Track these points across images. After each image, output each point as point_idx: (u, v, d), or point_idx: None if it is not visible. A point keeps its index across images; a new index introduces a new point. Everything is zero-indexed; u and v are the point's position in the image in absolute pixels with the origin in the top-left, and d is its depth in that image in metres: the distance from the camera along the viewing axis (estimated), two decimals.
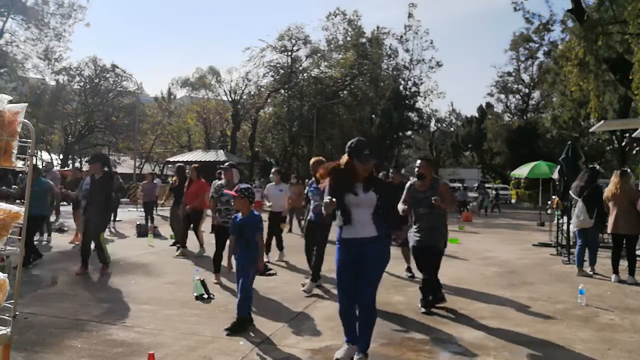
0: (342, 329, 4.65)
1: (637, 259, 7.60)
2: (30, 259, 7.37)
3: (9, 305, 2.71)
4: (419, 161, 5.53)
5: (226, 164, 7.28)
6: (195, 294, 5.71)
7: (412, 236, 5.51)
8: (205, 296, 5.69)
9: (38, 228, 8.25)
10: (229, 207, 6.58)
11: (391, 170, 8.21)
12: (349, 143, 3.87)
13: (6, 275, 2.68)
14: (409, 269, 7.41)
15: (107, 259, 7.20)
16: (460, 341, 4.39)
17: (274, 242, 8.83)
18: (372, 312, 3.79)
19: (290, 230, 13.26)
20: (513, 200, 38.65)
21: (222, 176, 7.09)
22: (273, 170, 9.71)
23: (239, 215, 4.79)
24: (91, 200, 7.15)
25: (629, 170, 8.22)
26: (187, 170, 10.07)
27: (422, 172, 5.42)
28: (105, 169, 7.30)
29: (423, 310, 5.30)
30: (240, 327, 4.51)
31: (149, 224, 12.69)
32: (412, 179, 5.69)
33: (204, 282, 5.83)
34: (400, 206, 5.33)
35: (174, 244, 9.72)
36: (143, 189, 13.63)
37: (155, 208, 13.91)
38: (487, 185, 35.54)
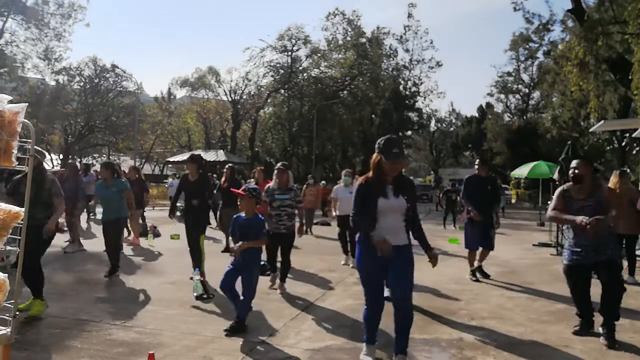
0: (342, 330, 4.66)
1: (637, 259, 7.60)
2: (116, 268, 6.97)
3: (9, 305, 2.71)
4: (575, 161, 4.50)
5: (279, 164, 6.70)
6: (195, 294, 5.70)
7: (568, 253, 4.54)
8: (205, 296, 5.68)
9: (122, 232, 7.65)
10: (280, 213, 6.21)
11: None
12: (379, 140, 3.66)
13: (6, 275, 2.68)
14: (473, 273, 7.30)
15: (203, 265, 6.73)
16: (460, 341, 4.39)
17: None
18: (411, 314, 3.68)
19: (306, 232, 13.17)
20: (513, 200, 38.65)
21: (275, 178, 6.44)
22: (345, 171, 9.03)
23: (242, 215, 4.76)
24: (190, 203, 6.82)
25: (628, 170, 8.22)
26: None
27: (581, 174, 4.37)
28: (201, 170, 6.97)
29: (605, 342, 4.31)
30: (240, 328, 4.47)
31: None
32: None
33: (204, 282, 5.83)
34: (568, 216, 4.31)
35: (225, 250, 9.25)
36: None
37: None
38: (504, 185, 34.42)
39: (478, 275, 7.30)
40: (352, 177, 8.81)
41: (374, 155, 3.64)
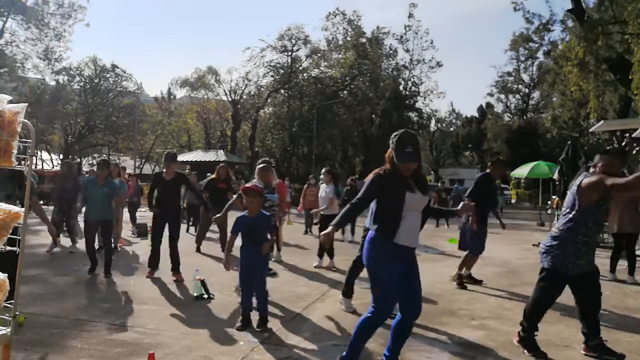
0: (342, 330, 4.66)
1: (637, 258, 7.61)
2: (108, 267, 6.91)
3: (9, 305, 2.71)
4: (601, 158, 4.10)
5: (261, 160, 6.40)
6: (195, 294, 5.71)
7: (574, 261, 3.87)
8: (205, 296, 5.69)
9: (112, 232, 7.37)
10: (272, 214, 5.77)
11: None
12: (393, 134, 3.37)
13: (6, 275, 2.68)
14: (469, 277, 6.81)
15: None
16: (460, 341, 4.39)
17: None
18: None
19: (307, 232, 13.18)
20: (513, 200, 38.67)
21: (258, 176, 6.11)
22: (323, 170, 9.18)
23: (246, 213, 4.72)
24: (167, 204, 6.63)
25: (626, 171, 8.17)
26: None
27: (614, 174, 3.91)
28: (177, 170, 6.76)
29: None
30: (266, 323, 4.61)
31: (195, 227, 12.63)
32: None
33: (204, 282, 5.83)
34: None
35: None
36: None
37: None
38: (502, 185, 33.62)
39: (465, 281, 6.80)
40: (329, 176, 8.89)
41: (389, 150, 3.38)
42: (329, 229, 3.31)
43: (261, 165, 6.16)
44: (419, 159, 3.36)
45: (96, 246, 8.99)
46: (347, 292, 5.35)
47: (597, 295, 4.01)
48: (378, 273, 3.35)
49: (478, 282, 6.86)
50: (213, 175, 9.61)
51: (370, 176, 3.47)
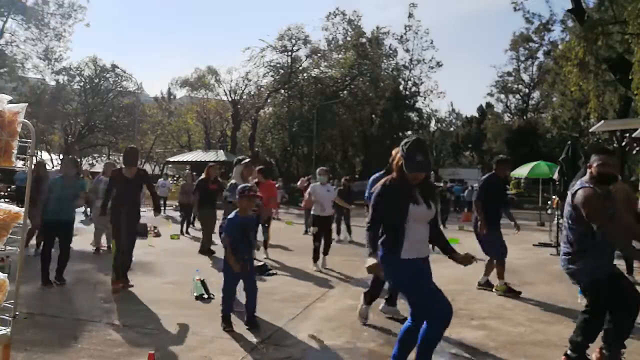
0: (342, 330, 4.66)
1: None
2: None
3: (9, 305, 2.71)
4: (597, 157, 3.76)
5: (239, 158, 6.24)
6: (195, 294, 5.71)
7: (603, 266, 3.73)
8: (205, 296, 5.69)
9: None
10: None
11: None
12: (404, 141, 3.25)
13: (6, 275, 2.68)
14: (486, 283, 6.65)
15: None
16: (460, 341, 4.38)
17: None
18: None
19: (307, 232, 13.14)
20: None
21: (241, 174, 5.95)
22: (319, 169, 8.81)
23: (237, 214, 4.70)
24: (129, 203, 6.24)
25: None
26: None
27: (612, 172, 3.80)
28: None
29: None
30: (256, 323, 4.62)
31: (187, 227, 12.75)
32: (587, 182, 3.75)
33: (204, 282, 5.84)
34: None
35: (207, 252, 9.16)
36: (183, 190, 13.26)
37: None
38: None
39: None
40: (327, 175, 8.62)
41: (397, 156, 3.26)
42: (374, 261, 3.11)
43: (246, 161, 6.04)
44: (430, 169, 3.27)
45: (93, 249, 9.11)
46: (390, 300, 5.18)
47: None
48: (410, 285, 3.25)
49: (489, 288, 6.69)
50: (203, 176, 9.55)
51: (377, 188, 3.31)
